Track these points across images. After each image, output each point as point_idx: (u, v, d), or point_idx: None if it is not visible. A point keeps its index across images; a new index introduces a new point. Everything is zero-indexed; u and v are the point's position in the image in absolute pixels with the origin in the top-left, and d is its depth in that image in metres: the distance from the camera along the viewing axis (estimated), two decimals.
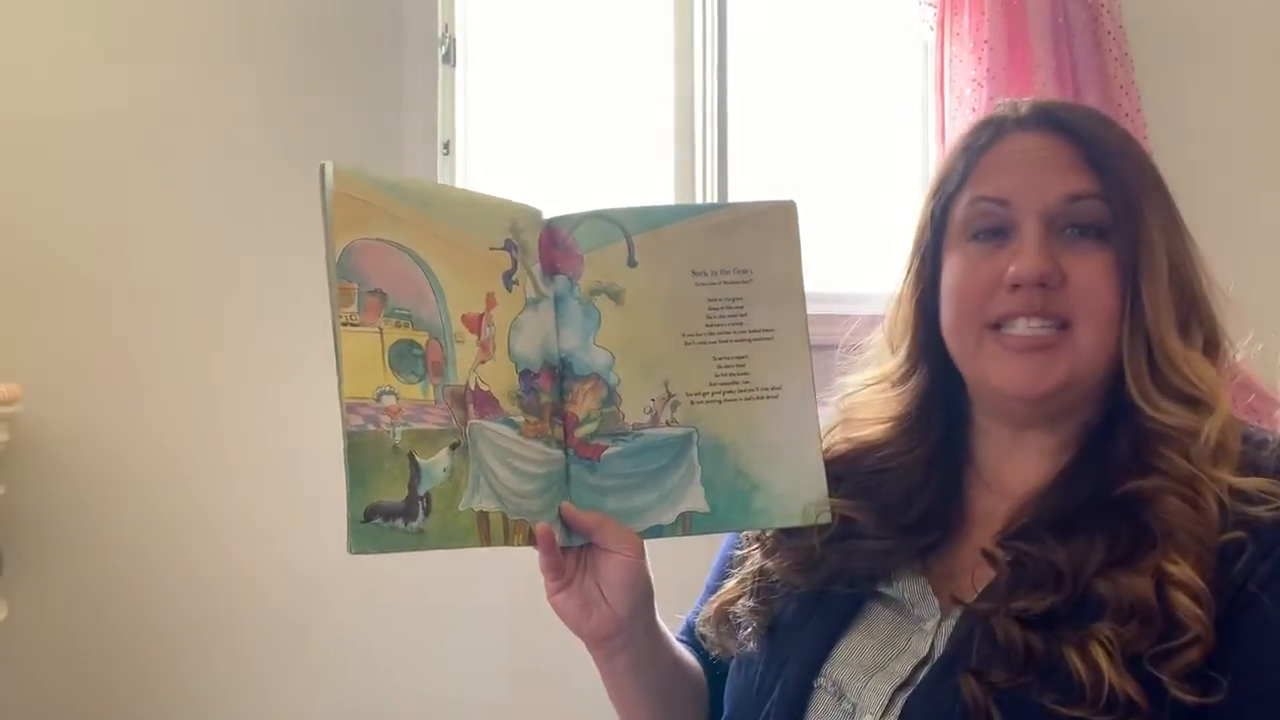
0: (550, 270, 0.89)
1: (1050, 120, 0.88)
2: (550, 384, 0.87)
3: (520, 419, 0.85)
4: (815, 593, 0.89)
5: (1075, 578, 0.77)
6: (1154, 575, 0.75)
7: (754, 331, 0.89)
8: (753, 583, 0.93)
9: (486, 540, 0.81)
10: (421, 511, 0.77)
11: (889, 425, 0.93)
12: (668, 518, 0.89)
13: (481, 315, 0.83)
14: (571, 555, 0.87)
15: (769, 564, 0.92)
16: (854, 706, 0.82)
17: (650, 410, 0.88)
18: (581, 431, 0.88)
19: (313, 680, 1.96)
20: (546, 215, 0.90)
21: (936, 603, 0.85)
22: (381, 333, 0.78)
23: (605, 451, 0.88)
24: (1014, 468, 0.89)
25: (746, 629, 0.91)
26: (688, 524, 0.89)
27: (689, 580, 1.04)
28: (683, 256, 0.89)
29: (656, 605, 0.92)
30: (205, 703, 1.94)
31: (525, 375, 0.86)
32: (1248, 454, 0.81)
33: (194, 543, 1.93)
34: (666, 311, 0.89)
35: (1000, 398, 0.87)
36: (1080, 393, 0.85)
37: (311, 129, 1.96)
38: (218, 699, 1.94)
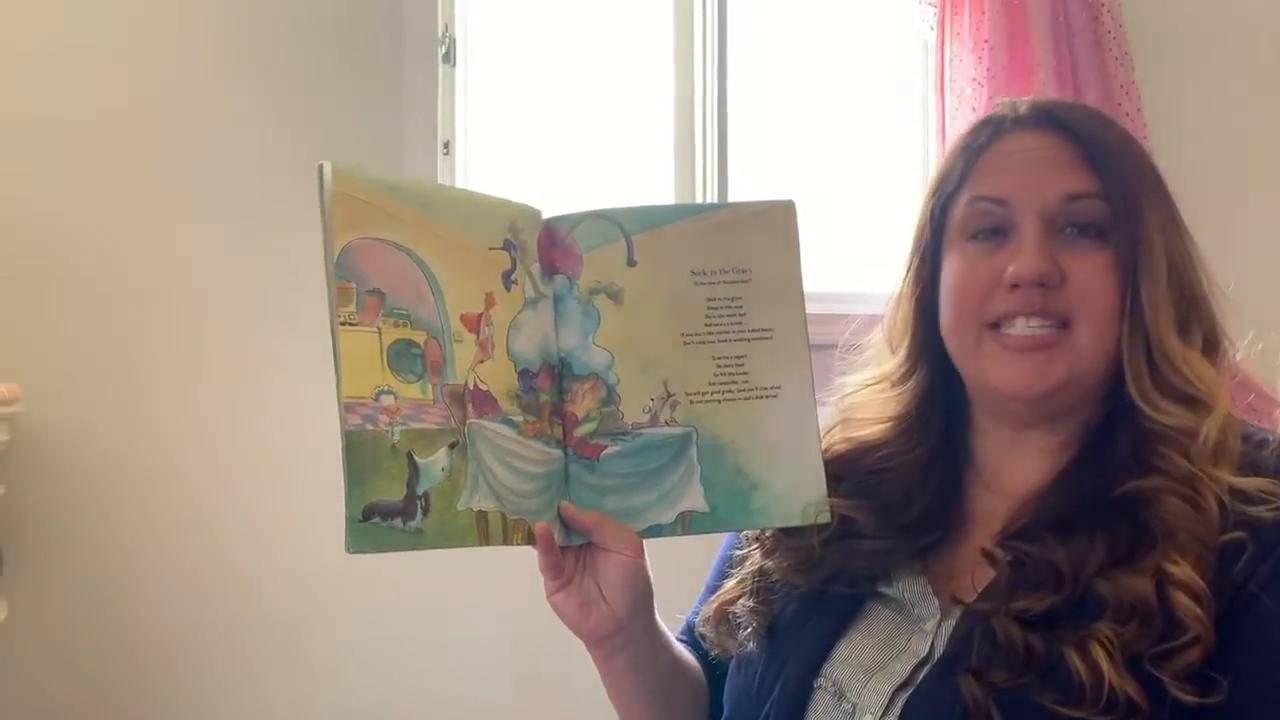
0: (549, 270, 0.89)
1: (1049, 119, 0.88)
2: (549, 383, 0.87)
3: (519, 418, 0.85)
4: (815, 593, 0.89)
5: (1075, 578, 0.77)
6: (1154, 575, 0.75)
7: (753, 331, 0.89)
8: (752, 583, 0.92)
9: (485, 540, 0.81)
10: (420, 511, 0.77)
11: (888, 425, 0.93)
12: (667, 517, 0.89)
13: (480, 315, 0.83)
14: (571, 555, 0.87)
15: (769, 564, 0.92)
16: (854, 706, 0.82)
17: (649, 410, 0.88)
18: (581, 431, 0.88)
19: (312, 680, 1.96)
20: (546, 215, 0.90)
21: (936, 603, 0.85)
22: (380, 332, 0.78)
23: (604, 451, 0.88)
24: (1014, 467, 0.89)
25: (746, 629, 0.91)
26: (687, 523, 0.89)
27: (689, 580, 1.04)
28: (682, 256, 0.89)
29: (656, 605, 0.92)
30: (205, 702, 1.94)
31: (524, 375, 0.86)
32: (1248, 454, 0.81)
33: (194, 542, 1.93)
34: (666, 311, 0.89)
35: (999, 397, 0.87)
36: (1080, 392, 0.85)
37: (312, 129, 1.96)
38: (217, 699, 1.94)
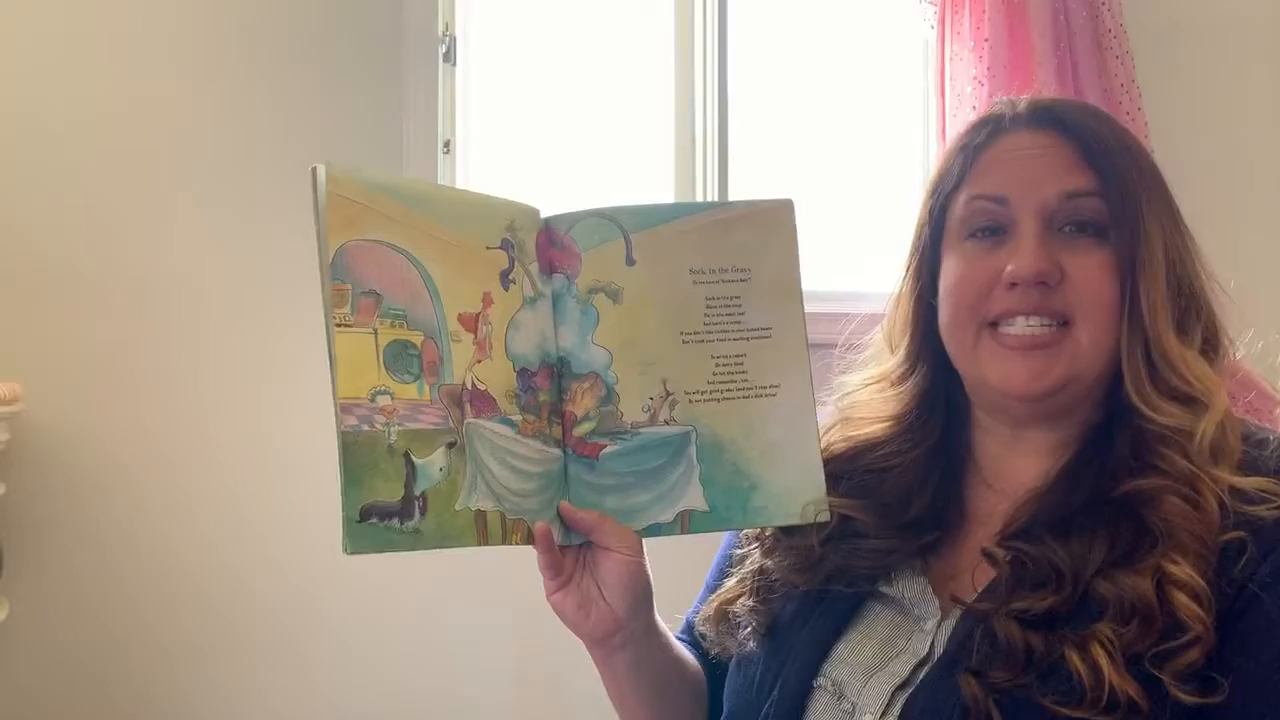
0: (548, 269, 0.88)
1: (1048, 118, 0.87)
2: (548, 382, 0.87)
3: (518, 418, 0.85)
4: (815, 592, 0.89)
5: (1076, 578, 0.77)
6: (1154, 575, 0.74)
7: (752, 330, 0.89)
8: (752, 582, 0.92)
9: (484, 539, 0.81)
10: (418, 511, 0.77)
11: (888, 424, 0.93)
12: (666, 516, 0.88)
13: (478, 314, 0.83)
14: (570, 554, 0.87)
15: (769, 563, 0.92)
16: (854, 706, 0.82)
17: (649, 409, 0.88)
18: (580, 430, 0.88)
19: (312, 681, 1.96)
20: (544, 214, 0.90)
21: (936, 602, 0.85)
22: (376, 333, 0.78)
23: (604, 450, 0.88)
24: (1014, 466, 0.89)
25: (746, 628, 0.91)
26: (686, 522, 0.89)
27: (689, 579, 1.04)
28: (681, 255, 0.89)
29: (656, 604, 0.91)
30: (204, 702, 1.94)
31: (523, 374, 0.86)
32: (1248, 453, 0.80)
33: (194, 542, 1.93)
34: (664, 310, 0.88)
35: (998, 396, 0.87)
36: (1079, 391, 0.85)
37: (312, 128, 1.96)
38: (217, 698, 1.95)
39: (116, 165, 1.94)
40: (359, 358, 0.77)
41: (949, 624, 0.82)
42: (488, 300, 0.84)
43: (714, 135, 2.11)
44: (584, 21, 2.18)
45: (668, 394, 0.88)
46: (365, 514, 0.75)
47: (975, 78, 1.93)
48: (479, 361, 0.83)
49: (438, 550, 0.79)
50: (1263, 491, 0.77)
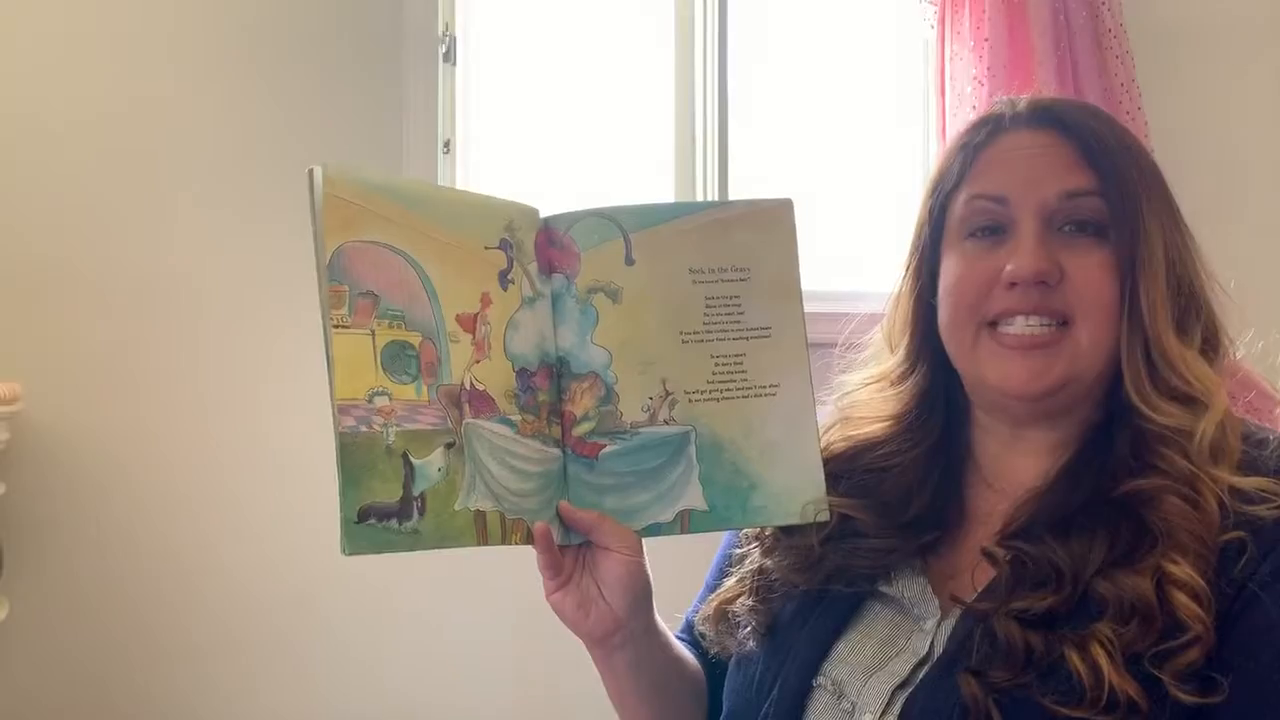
0: (547, 269, 0.88)
1: (1048, 117, 0.87)
2: (547, 382, 0.87)
3: (517, 418, 0.85)
4: (814, 592, 0.89)
5: (1075, 577, 0.77)
6: (1154, 575, 0.74)
7: (752, 329, 0.89)
8: (752, 581, 0.92)
9: (484, 539, 0.81)
10: (416, 512, 0.77)
11: (888, 424, 0.93)
12: (666, 516, 0.88)
13: (476, 315, 0.83)
14: (570, 554, 0.87)
15: (768, 563, 0.92)
16: (853, 705, 0.82)
17: (648, 408, 0.88)
18: (579, 430, 0.88)
19: (311, 681, 1.96)
20: (543, 214, 0.89)
21: (936, 602, 0.85)
22: (373, 334, 0.78)
23: (603, 450, 0.88)
24: (1014, 465, 0.89)
25: (745, 628, 0.91)
26: (686, 522, 0.89)
27: (688, 578, 1.04)
28: (680, 254, 0.88)
29: (656, 603, 0.91)
30: (204, 701, 1.94)
31: (522, 374, 0.86)
32: (1248, 453, 0.80)
33: (194, 542, 1.93)
34: (664, 309, 0.88)
35: (997, 396, 0.87)
36: (1079, 391, 0.85)
37: (312, 128, 1.96)
38: (216, 697, 1.95)
39: (116, 165, 1.94)
40: (356, 359, 0.77)
41: (949, 623, 0.82)
42: (486, 300, 0.84)
43: (714, 135, 2.11)
44: (584, 21, 2.18)
45: (667, 394, 0.88)
46: (363, 515, 0.75)
47: (975, 77, 1.93)
48: (477, 362, 0.83)
49: (437, 551, 0.79)
50: (1263, 491, 0.77)
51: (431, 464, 0.78)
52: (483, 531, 0.81)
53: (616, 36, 2.18)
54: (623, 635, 0.89)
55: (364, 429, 0.76)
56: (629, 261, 0.88)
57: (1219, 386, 0.82)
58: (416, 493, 0.77)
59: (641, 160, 2.16)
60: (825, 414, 0.95)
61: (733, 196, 2.10)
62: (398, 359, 0.78)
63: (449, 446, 0.80)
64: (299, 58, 1.98)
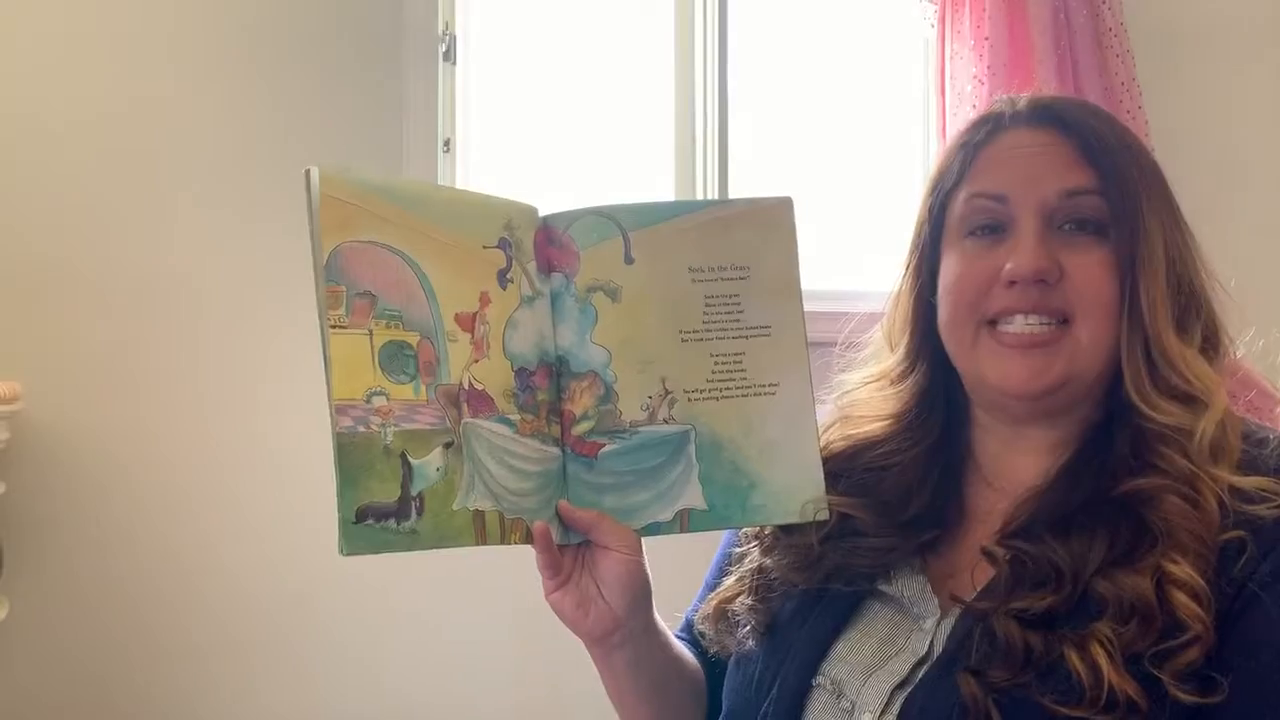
0: (546, 267, 0.88)
1: (1048, 115, 0.87)
2: (547, 381, 0.87)
3: (516, 417, 0.84)
4: (814, 591, 0.89)
5: (1075, 577, 0.77)
6: (1154, 574, 0.74)
7: (751, 328, 0.89)
8: (751, 580, 0.92)
9: (482, 539, 0.81)
10: (414, 511, 0.77)
11: (888, 422, 0.93)
12: (665, 515, 0.88)
13: (475, 314, 0.83)
14: (569, 553, 0.87)
15: (768, 562, 0.92)
16: (852, 705, 0.82)
17: (647, 407, 0.88)
18: (578, 429, 0.88)
19: (310, 680, 1.96)
20: (542, 212, 0.89)
21: (936, 601, 0.85)
22: (371, 334, 0.78)
23: (602, 449, 0.88)
24: (1014, 464, 0.89)
25: (745, 627, 0.91)
26: (685, 521, 0.88)
27: (688, 577, 1.04)
28: (680, 253, 0.88)
29: (655, 602, 0.91)
30: (204, 701, 1.95)
31: (521, 373, 0.85)
32: (1248, 452, 0.80)
33: (193, 541, 1.93)
34: (663, 308, 0.88)
35: (997, 395, 0.87)
36: (1079, 390, 0.85)
37: (312, 128, 1.96)
38: (217, 697, 1.95)
39: (116, 165, 1.94)
40: (354, 359, 0.77)
41: (948, 623, 0.82)
42: (485, 300, 0.84)
43: (714, 135, 2.11)
44: (584, 21, 2.18)
45: (666, 392, 0.88)
46: (361, 515, 0.75)
47: (975, 76, 1.93)
48: (476, 361, 0.83)
49: (435, 551, 0.79)
50: (1262, 490, 0.77)
51: (430, 464, 0.78)
52: (481, 531, 0.81)
53: (617, 36, 2.18)
54: (622, 634, 0.89)
55: (361, 429, 0.76)
56: (628, 260, 0.88)
57: (1219, 385, 0.82)
58: (414, 493, 0.77)
59: (641, 160, 2.16)
60: (825, 413, 0.95)
61: (733, 195, 2.10)
62: (395, 359, 0.78)
63: (447, 446, 0.80)
64: (299, 57, 1.97)
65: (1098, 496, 0.81)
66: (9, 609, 1.82)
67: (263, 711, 1.95)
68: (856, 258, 2.14)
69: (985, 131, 0.89)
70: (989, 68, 1.92)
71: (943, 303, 0.88)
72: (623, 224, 0.88)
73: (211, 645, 1.94)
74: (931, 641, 0.82)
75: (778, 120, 2.18)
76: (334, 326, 0.76)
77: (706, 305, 0.88)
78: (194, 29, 1.96)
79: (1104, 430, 0.85)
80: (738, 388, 0.88)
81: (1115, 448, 0.83)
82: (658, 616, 0.93)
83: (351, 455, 0.75)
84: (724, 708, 0.92)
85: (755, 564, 0.93)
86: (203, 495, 1.93)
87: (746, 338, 0.89)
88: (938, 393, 0.92)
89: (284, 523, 1.92)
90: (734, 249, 0.89)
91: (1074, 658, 0.73)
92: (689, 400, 0.88)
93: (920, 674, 0.81)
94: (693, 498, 0.88)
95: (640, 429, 0.88)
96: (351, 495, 0.75)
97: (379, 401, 0.77)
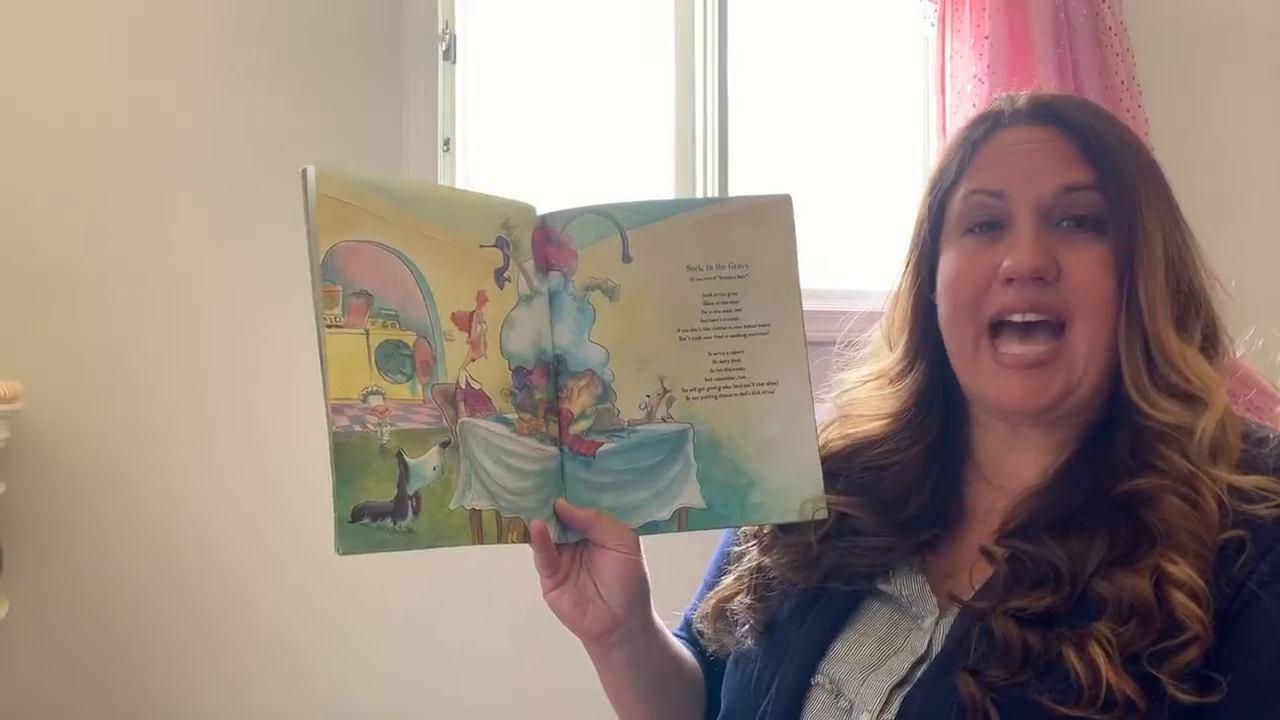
0: (544, 266, 0.88)
1: (1046, 113, 0.87)
2: (544, 380, 0.87)
3: (513, 416, 0.84)
4: (813, 590, 0.88)
5: (1074, 577, 0.77)
6: (1153, 575, 0.74)
7: (749, 326, 0.88)
8: (750, 579, 0.92)
9: (479, 538, 0.81)
10: (411, 511, 0.77)
11: (887, 421, 0.93)
12: (663, 514, 0.88)
13: (472, 313, 0.83)
14: (567, 552, 0.87)
15: (766, 561, 0.92)
16: (851, 704, 0.82)
17: (645, 406, 0.88)
18: (576, 428, 0.87)
19: (309, 680, 1.96)
20: (540, 211, 0.89)
21: (935, 600, 0.85)
22: (367, 333, 0.78)
23: (600, 448, 0.87)
24: (1013, 463, 0.89)
25: (744, 626, 0.90)
26: (683, 520, 0.88)
27: (686, 576, 1.04)
28: (678, 251, 0.88)
29: (654, 601, 0.91)
30: (204, 700, 1.94)
31: (518, 372, 0.85)
32: (1248, 451, 0.80)
33: (193, 541, 1.93)
34: (661, 307, 0.88)
35: (996, 410, 0.87)
36: (1079, 399, 0.85)
37: (312, 128, 1.96)
38: (216, 696, 1.95)
39: (116, 165, 1.94)
40: (350, 358, 0.76)
41: (947, 622, 0.82)
42: (482, 299, 0.84)
43: (714, 134, 2.10)
44: (584, 19, 2.18)
45: (665, 391, 0.88)
46: (357, 514, 0.75)
47: (976, 75, 1.93)
48: (473, 360, 0.82)
49: (432, 550, 0.79)
50: (1262, 490, 0.76)
51: (426, 463, 0.78)
52: (478, 530, 0.81)
53: (617, 35, 2.18)
54: (620, 633, 0.88)
55: (358, 428, 0.76)
56: (626, 259, 0.88)
57: (1219, 384, 0.82)
58: (411, 492, 0.77)
59: (641, 159, 2.16)
60: (823, 412, 0.94)
61: (733, 194, 2.10)
62: (392, 358, 0.78)
63: (444, 445, 0.80)
64: (299, 57, 1.97)
65: (1097, 496, 0.81)
66: (9, 609, 1.82)
67: (261, 710, 1.95)
68: (856, 256, 2.13)
69: (984, 129, 0.89)
70: (989, 66, 1.92)
71: (942, 300, 0.88)
72: (621, 222, 0.88)
73: (210, 644, 1.94)
74: (930, 640, 0.82)
75: (778, 119, 2.18)
76: (330, 326, 0.76)
77: (705, 304, 0.88)
78: (194, 29, 1.96)
79: (1104, 430, 0.85)
80: (736, 386, 0.88)
81: (1115, 447, 0.83)
82: (656, 615, 0.92)
83: (347, 454, 0.75)
84: (722, 707, 0.92)
85: (754, 563, 0.93)
86: (202, 495, 1.93)
87: (745, 336, 0.88)
88: (937, 391, 0.92)
89: (283, 522, 1.92)
90: (732, 247, 0.88)
91: (1072, 657, 0.73)
92: (687, 399, 0.88)
93: (919, 673, 0.81)
94: (691, 496, 0.88)
95: (638, 428, 0.88)
96: (347, 494, 0.75)
97: (375, 401, 0.77)
